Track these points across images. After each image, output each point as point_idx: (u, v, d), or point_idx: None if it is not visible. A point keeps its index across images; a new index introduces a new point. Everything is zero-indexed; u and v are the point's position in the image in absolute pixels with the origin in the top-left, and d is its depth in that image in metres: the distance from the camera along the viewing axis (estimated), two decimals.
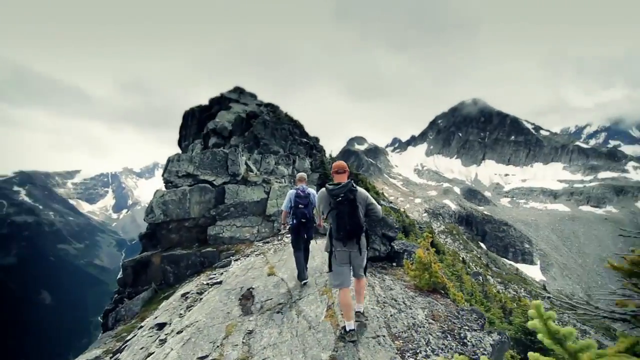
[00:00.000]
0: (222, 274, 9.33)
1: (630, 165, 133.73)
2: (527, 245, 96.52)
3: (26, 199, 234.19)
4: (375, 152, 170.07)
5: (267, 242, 11.33)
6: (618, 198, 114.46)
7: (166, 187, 12.67)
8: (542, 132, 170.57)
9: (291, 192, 5.88)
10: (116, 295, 13.89)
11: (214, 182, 12.84)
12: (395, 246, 7.76)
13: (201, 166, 12.90)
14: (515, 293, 58.50)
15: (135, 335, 7.20)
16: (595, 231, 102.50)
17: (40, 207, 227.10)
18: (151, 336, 6.52)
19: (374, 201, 4.00)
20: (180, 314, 6.88)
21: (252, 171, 14.56)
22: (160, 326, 6.88)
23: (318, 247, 7.99)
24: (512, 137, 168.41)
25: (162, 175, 12.70)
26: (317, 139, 25.87)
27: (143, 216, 12.39)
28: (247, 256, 10.20)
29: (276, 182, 14.29)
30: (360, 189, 3.96)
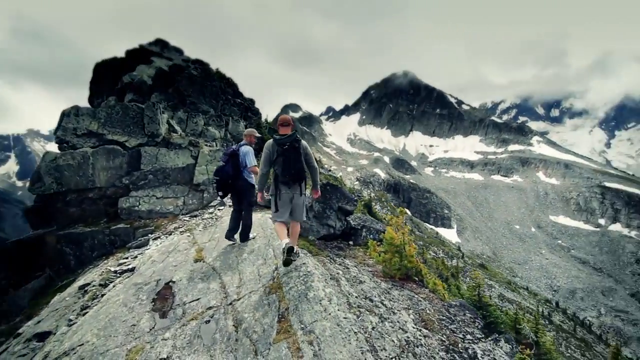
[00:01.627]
0: (135, 257, 7.47)
1: (534, 139, 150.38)
2: (446, 211, 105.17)
3: None
4: (309, 120, 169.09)
5: (195, 216, 9.57)
6: (523, 169, 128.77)
7: (60, 148, 10.00)
8: (464, 107, 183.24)
9: None
10: (2, 281, 11.17)
11: (126, 144, 10.45)
12: (351, 221, 6.58)
13: (108, 123, 10.35)
14: (434, 254, 63.47)
15: (5, 350, 5.23)
16: (503, 198, 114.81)
17: None
18: (24, 355, 4.66)
19: (311, 153, 4.56)
20: (70, 319, 5.03)
21: (175, 132, 12.29)
22: (41, 337, 5.01)
23: (259, 224, 6.54)
24: (438, 110, 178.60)
25: (55, 134, 9.97)
26: (252, 101, 23.57)
27: None
28: (170, 234, 8.40)
29: (206, 145, 12.26)
30: (303, 141, 4.43)
